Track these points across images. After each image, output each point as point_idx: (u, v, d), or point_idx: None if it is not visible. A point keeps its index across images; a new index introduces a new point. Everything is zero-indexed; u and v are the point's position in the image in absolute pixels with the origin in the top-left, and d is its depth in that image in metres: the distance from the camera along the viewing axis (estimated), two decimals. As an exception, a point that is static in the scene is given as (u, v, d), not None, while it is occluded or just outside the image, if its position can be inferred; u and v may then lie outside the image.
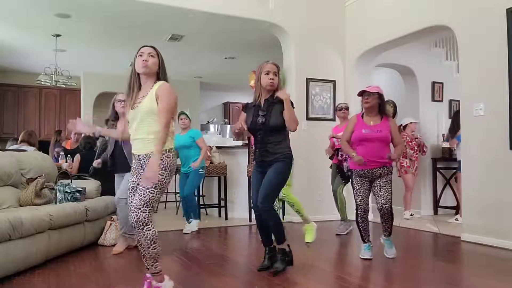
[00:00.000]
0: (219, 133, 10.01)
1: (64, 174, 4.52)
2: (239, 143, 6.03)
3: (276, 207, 4.31)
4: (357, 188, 3.57)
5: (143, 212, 2.32)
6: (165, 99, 2.38)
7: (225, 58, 8.20)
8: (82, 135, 6.63)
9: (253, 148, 3.27)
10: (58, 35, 6.61)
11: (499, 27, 4.04)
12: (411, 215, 6.11)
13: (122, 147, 3.89)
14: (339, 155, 4.72)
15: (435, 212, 6.50)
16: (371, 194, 3.60)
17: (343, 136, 3.74)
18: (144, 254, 2.48)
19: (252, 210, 3.43)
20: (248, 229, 5.24)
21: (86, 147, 5.47)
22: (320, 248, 4.04)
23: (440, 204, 6.52)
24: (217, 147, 6.12)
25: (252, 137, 3.31)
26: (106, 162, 4.26)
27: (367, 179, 3.53)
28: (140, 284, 2.54)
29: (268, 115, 3.06)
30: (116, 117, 3.99)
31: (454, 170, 6.34)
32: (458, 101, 5.79)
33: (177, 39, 6.89)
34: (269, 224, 3.17)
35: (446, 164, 6.56)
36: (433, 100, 6.67)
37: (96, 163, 4.43)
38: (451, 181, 6.50)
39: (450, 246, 4.21)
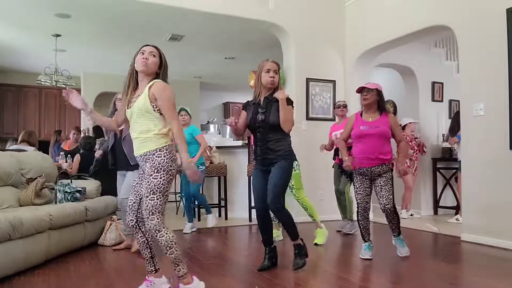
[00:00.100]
0: (219, 133, 10.03)
1: (64, 174, 4.52)
2: (239, 143, 6.04)
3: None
4: (357, 186, 3.57)
5: (152, 221, 2.29)
6: (164, 97, 2.34)
7: (225, 58, 8.20)
8: (82, 135, 6.66)
9: (253, 147, 3.27)
10: (58, 35, 6.61)
11: (499, 27, 4.04)
12: (411, 215, 6.12)
13: (121, 144, 3.89)
14: (339, 154, 4.72)
15: (435, 212, 6.50)
16: (373, 193, 3.60)
17: (341, 135, 3.76)
18: (146, 258, 2.46)
19: (253, 210, 3.42)
20: (248, 229, 5.24)
21: (86, 147, 5.47)
22: (321, 248, 4.04)
23: (440, 204, 6.52)
24: (217, 147, 6.12)
25: (252, 137, 3.31)
26: (106, 153, 4.28)
27: (367, 177, 3.52)
28: (139, 284, 2.54)
29: (267, 112, 3.06)
30: None
31: (454, 170, 6.34)
32: (458, 101, 5.79)
33: (177, 39, 6.89)
34: (268, 225, 3.19)
35: (446, 164, 6.56)
36: (433, 100, 6.67)
37: (98, 154, 4.43)
38: (451, 181, 6.50)
39: (450, 246, 4.21)
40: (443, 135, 6.64)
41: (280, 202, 3.06)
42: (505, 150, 3.99)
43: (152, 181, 2.29)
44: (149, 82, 2.40)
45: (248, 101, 3.27)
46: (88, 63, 8.46)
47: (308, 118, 5.89)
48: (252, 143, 3.32)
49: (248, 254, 4.01)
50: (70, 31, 6.43)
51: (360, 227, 3.60)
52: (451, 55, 6.88)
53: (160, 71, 2.45)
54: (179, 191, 5.65)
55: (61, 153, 5.88)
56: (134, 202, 2.44)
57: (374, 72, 7.10)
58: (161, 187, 2.30)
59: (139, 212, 2.42)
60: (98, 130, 6.66)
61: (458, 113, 5.16)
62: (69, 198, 4.03)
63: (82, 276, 3.08)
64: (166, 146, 2.36)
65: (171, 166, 2.34)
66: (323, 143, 4.76)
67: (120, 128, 3.72)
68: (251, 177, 4.64)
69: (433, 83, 6.67)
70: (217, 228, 5.14)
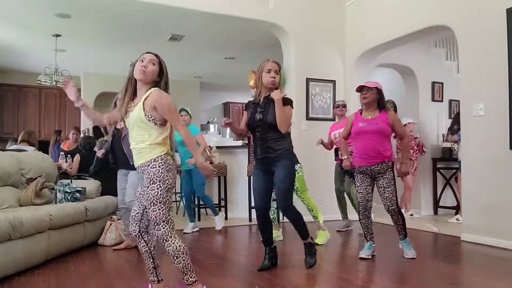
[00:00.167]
0: (219, 133, 10.03)
1: (64, 174, 4.52)
2: (239, 143, 6.04)
3: (273, 208, 4.33)
4: (358, 185, 3.56)
5: (158, 231, 2.27)
6: (165, 108, 2.29)
7: (225, 58, 8.20)
8: (81, 135, 6.66)
9: (253, 146, 3.26)
10: (58, 35, 6.61)
11: (499, 27, 4.04)
12: (411, 215, 6.12)
13: (121, 143, 3.89)
14: (339, 154, 4.72)
15: (435, 212, 6.50)
16: (375, 194, 3.60)
17: (342, 133, 3.77)
18: (149, 268, 2.42)
19: (253, 210, 3.42)
20: (248, 229, 5.24)
21: (85, 147, 5.47)
22: (321, 247, 4.04)
23: (440, 204, 6.52)
24: (217, 147, 6.12)
25: (252, 136, 3.31)
26: (108, 152, 4.28)
27: (367, 176, 3.52)
28: (139, 284, 2.54)
29: (265, 112, 3.06)
30: None
31: (454, 170, 6.34)
32: (458, 101, 5.79)
33: (177, 39, 6.89)
34: (268, 225, 3.19)
35: (446, 164, 6.56)
36: (433, 100, 6.67)
37: (100, 153, 4.43)
38: (451, 181, 6.50)
39: (450, 246, 4.21)
40: (443, 135, 6.64)
41: (290, 201, 3.10)
42: (505, 150, 3.99)
43: (150, 193, 2.27)
44: (147, 90, 2.34)
45: (249, 101, 3.27)
46: (88, 63, 8.46)
47: (308, 118, 5.89)
48: (252, 143, 3.32)
49: (248, 254, 4.01)
50: (70, 31, 6.43)
51: (361, 226, 3.60)
52: (451, 55, 6.88)
53: (160, 80, 2.39)
54: (179, 191, 5.65)
55: (61, 153, 5.88)
56: (137, 213, 2.41)
57: (374, 72, 7.10)
58: (160, 197, 2.26)
59: (142, 222, 2.40)
60: (98, 130, 6.66)
61: (458, 114, 5.17)
62: (69, 198, 4.03)
63: (82, 276, 3.08)
64: (161, 156, 2.30)
65: (166, 176, 2.28)
66: (321, 138, 4.75)
67: (120, 127, 3.73)
68: (251, 177, 4.64)
69: (433, 83, 6.67)
70: (215, 227, 5.13)
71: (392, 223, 3.61)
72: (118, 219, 4.30)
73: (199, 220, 5.68)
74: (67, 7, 5.54)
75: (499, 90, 4.04)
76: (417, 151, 6.19)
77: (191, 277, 2.33)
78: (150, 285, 2.44)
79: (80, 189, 4.17)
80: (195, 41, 7.02)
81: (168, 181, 2.29)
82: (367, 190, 3.53)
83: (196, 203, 5.83)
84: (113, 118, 2.57)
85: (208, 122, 10.68)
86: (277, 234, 4.29)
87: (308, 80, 5.91)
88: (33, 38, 6.84)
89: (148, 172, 2.28)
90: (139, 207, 2.41)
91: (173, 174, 2.35)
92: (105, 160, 4.48)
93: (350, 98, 5.82)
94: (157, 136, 2.32)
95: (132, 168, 3.78)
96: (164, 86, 2.39)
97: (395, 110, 7.00)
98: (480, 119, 4.25)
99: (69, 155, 5.66)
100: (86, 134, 7.00)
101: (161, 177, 2.27)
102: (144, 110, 2.28)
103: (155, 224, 2.27)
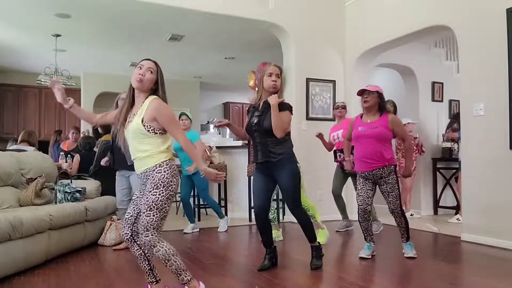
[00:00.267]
0: (219, 133, 10.01)
1: (64, 174, 4.52)
2: (239, 143, 6.04)
3: (273, 208, 4.33)
4: (359, 188, 3.58)
5: (146, 237, 2.24)
6: (166, 118, 2.27)
7: (225, 58, 8.19)
8: (81, 135, 6.66)
9: (252, 150, 3.26)
10: (58, 35, 6.61)
11: (499, 27, 4.04)
12: (411, 215, 6.12)
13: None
14: (338, 157, 4.73)
15: (435, 212, 6.50)
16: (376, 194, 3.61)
17: (345, 135, 3.80)
18: (145, 270, 2.41)
19: (252, 210, 3.42)
20: (248, 229, 5.24)
21: (85, 147, 5.47)
22: (322, 247, 4.03)
23: (440, 204, 6.52)
24: (217, 147, 6.12)
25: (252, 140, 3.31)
26: (110, 161, 4.28)
27: (370, 180, 3.53)
28: (139, 284, 2.54)
29: (262, 116, 3.06)
30: None
31: (454, 170, 6.34)
32: (458, 101, 5.79)
33: (177, 39, 6.89)
34: (268, 227, 3.20)
35: (446, 164, 6.56)
36: (433, 100, 6.67)
37: (104, 161, 4.40)
38: (451, 181, 6.50)
39: (450, 246, 4.21)
40: (443, 135, 6.64)
41: (299, 202, 3.12)
42: (505, 150, 3.99)
43: (150, 197, 2.24)
44: (145, 99, 2.32)
45: (251, 104, 3.27)
46: (88, 63, 8.46)
47: (308, 118, 5.89)
48: (252, 145, 3.32)
49: (248, 254, 4.01)
50: (70, 31, 6.43)
51: (361, 228, 3.61)
52: (451, 55, 6.88)
53: (157, 88, 2.36)
54: (179, 191, 5.65)
55: (61, 153, 5.87)
56: (131, 216, 2.38)
57: (374, 72, 7.11)
58: (159, 203, 2.24)
59: (134, 226, 2.37)
60: (98, 131, 6.66)
61: (458, 113, 5.18)
62: (69, 198, 4.03)
63: (82, 276, 3.08)
64: (166, 161, 2.29)
65: (171, 182, 2.27)
66: (321, 132, 4.73)
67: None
68: (251, 178, 4.63)
69: (433, 83, 6.67)
70: (217, 228, 5.13)
71: (393, 223, 3.61)
72: (118, 219, 4.30)
73: (199, 220, 5.68)
74: (67, 7, 5.54)
75: (499, 90, 4.04)
76: (416, 151, 6.19)
77: (185, 276, 2.33)
78: (149, 286, 2.44)
79: (80, 189, 4.17)
80: (195, 41, 7.02)
81: (172, 187, 2.28)
82: (368, 194, 3.53)
83: (196, 203, 5.83)
84: (107, 120, 2.56)
85: (208, 122, 10.68)
86: (277, 234, 4.29)
87: (308, 80, 5.91)
88: (33, 38, 6.84)
89: (153, 177, 2.26)
90: (134, 210, 2.38)
91: (177, 180, 2.33)
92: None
93: (350, 99, 5.82)
94: (160, 145, 2.30)
95: (132, 169, 3.80)
96: (162, 94, 2.36)
97: (395, 110, 6.99)
98: (480, 119, 4.25)
99: (69, 155, 5.66)
100: (86, 135, 7.00)
101: (165, 182, 2.26)
102: (142, 122, 2.26)
103: (145, 229, 2.24)
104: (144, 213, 2.25)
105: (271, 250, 3.24)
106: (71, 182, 4.23)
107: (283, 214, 5.67)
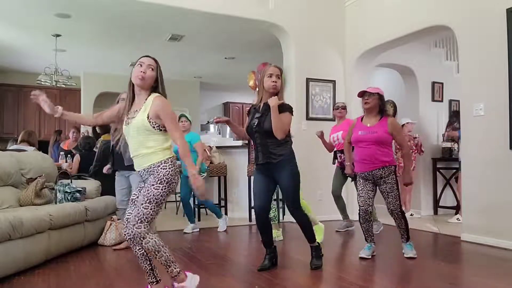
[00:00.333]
0: (219, 133, 10.02)
1: (64, 174, 4.52)
2: (239, 143, 6.04)
3: (274, 207, 4.33)
4: (360, 189, 3.58)
5: (138, 228, 2.24)
6: (168, 117, 2.30)
7: (225, 58, 8.20)
8: (81, 135, 6.66)
9: (253, 151, 3.26)
10: (58, 35, 6.61)
11: (499, 27, 4.04)
12: (411, 215, 6.12)
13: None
14: (338, 157, 4.73)
15: (435, 212, 6.50)
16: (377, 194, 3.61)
17: (346, 138, 3.81)
18: (146, 270, 2.41)
19: (253, 210, 3.42)
20: (248, 229, 5.24)
21: (85, 147, 5.47)
22: (321, 247, 4.03)
23: (440, 204, 6.52)
24: (217, 147, 6.12)
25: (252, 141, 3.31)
26: (111, 169, 4.27)
27: (370, 181, 3.53)
28: (139, 284, 2.54)
29: (263, 118, 3.06)
30: None
31: (454, 170, 6.34)
32: (458, 101, 5.79)
33: (177, 39, 6.89)
34: (268, 227, 3.19)
35: (446, 164, 6.56)
36: (433, 100, 6.67)
37: (106, 169, 4.36)
38: (451, 181, 6.50)
39: (450, 246, 4.21)
40: (443, 135, 6.64)
41: (299, 204, 3.13)
42: (505, 150, 3.99)
43: (152, 191, 2.26)
44: (147, 96, 2.35)
45: (252, 105, 3.27)
46: (88, 63, 8.46)
47: (308, 118, 5.89)
48: (253, 146, 3.32)
49: (248, 254, 4.01)
50: (70, 31, 6.43)
51: (362, 229, 3.61)
52: (451, 55, 6.88)
53: (157, 85, 2.39)
54: (179, 191, 5.65)
55: (61, 153, 5.87)
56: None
57: (374, 72, 7.11)
58: (159, 198, 2.27)
59: None
60: (96, 131, 6.66)
61: (457, 112, 5.17)
62: (69, 198, 4.03)
63: (82, 276, 3.08)
64: (170, 158, 2.33)
65: (173, 179, 2.31)
66: (322, 130, 4.72)
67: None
68: (251, 178, 4.64)
69: (433, 83, 6.66)
70: (217, 228, 5.13)
71: (393, 223, 3.62)
72: (118, 219, 4.30)
73: (199, 220, 5.68)
74: (67, 7, 5.54)
75: (499, 90, 4.04)
76: (416, 151, 6.19)
77: (175, 268, 2.35)
78: (149, 286, 2.44)
79: (80, 189, 4.17)
80: (195, 41, 7.02)
81: (173, 185, 2.32)
82: (369, 195, 3.54)
83: (196, 203, 5.83)
84: (104, 119, 2.57)
85: (208, 122, 10.68)
86: (277, 234, 4.29)
87: (308, 80, 5.91)
88: (33, 38, 6.84)
89: (157, 172, 2.28)
90: (134, 209, 2.40)
91: (178, 179, 2.38)
92: (105, 160, 4.48)
93: (350, 99, 5.82)
94: (163, 142, 2.34)
95: (131, 169, 3.80)
96: (162, 91, 2.40)
97: (395, 110, 7.01)
98: (480, 119, 4.24)
99: (69, 155, 5.65)
100: (85, 135, 7.00)
101: (169, 179, 2.29)
102: (148, 118, 2.29)
103: (139, 220, 2.25)
104: (142, 204, 2.27)
105: (271, 250, 3.24)
106: (71, 182, 4.23)
107: (283, 214, 5.67)
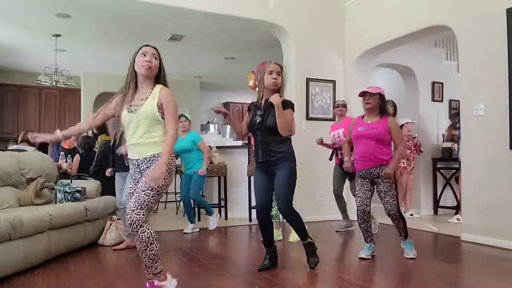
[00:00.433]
0: (219, 133, 10.03)
1: (64, 174, 4.52)
2: (239, 143, 6.04)
3: (275, 206, 4.32)
4: (358, 189, 3.58)
5: (137, 214, 2.26)
6: (170, 108, 2.33)
7: (225, 58, 8.20)
8: (81, 135, 6.65)
9: (253, 148, 3.26)
10: (58, 35, 6.61)
11: (499, 27, 4.04)
12: (411, 215, 6.12)
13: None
14: (339, 154, 4.73)
15: (435, 212, 6.50)
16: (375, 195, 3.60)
17: (346, 137, 3.81)
18: (143, 261, 2.41)
19: (253, 210, 3.42)
20: (248, 229, 5.24)
21: (85, 147, 5.47)
22: (321, 248, 4.03)
23: (440, 204, 6.52)
24: (217, 147, 6.12)
25: (252, 137, 3.31)
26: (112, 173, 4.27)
27: (367, 180, 3.53)
28: (139, 284, 2.53)
29: (265, 115, 3.06)
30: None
31: (454, 170, 6.34)
32: (458, 101, 5.79)
33: (177, 39, 6.89)
34: (269, 226, 3.19)
35: (446, 164, 6.56)
36: (433, 100, 6.67)
37: (108, 172, 4.35)
38: (451, 181, 6.50)
39: (450, 246, 4.21)
40: (443, 135, 6.64)
41: (291, 204, 3.10)
42: (505, 150, 3.99)
43: (162, 179, 2.29)
44: (151, 85, 2.38)
45: (252, 102, 3.27)
46: (88, 63, 8.46)
47: (308, 118, 5.89)
48: (253, 144, 3.32)
49: (248, 254, 4.01)
50: (70, 31, 6.43)
51: (361, 230, 3.61)
52: (451, 55, 6.88)
53: (160, 74, 2.42)
54: (179, 191, 5.65)
55: (61, 153, 5.87)
56: None
57: (374, 72, 7.11)
58: (160, 188, 2.31)
59: None
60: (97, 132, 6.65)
61: (458, 112, 5.18)
62: (69, 198, 4.03)
63: (82, 276, 3.08)
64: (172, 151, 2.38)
65: (172, 171, 2.38)
66: (321, 137, 4.74)
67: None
68: (252, 177, 4.63)
69: (433, 83, 6.66)
70: (217, 228, 5.14)
71: (392, 223, 3.61)
72: (118, 219, 4.30)
73: (199, 220, 5.67)
74: (67, 7, 5.54)
75: (499, 90, 4.04)
76: (415, 151, 6.19)
77: (160, 265, 2.37)
78: (147, 284, 2.44)
79: (80, 189, 4.17)
80: (195, 41, 7.02)
81: (173, 175, 2.39)
82: (366, 194, 3.54)
83: (205, 202, 5.82)
84: (103, 117, 2.59)
85: (208, 122, 10.68)
86: (277, 234, 4.29)
87: (308, 80, 5.91)
88: (33, 38, 6.84)
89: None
90: (134, 196, 2.40)
91: (174, 172, 2.43)
92: (105, 160, 4.48)
93: (350, 99, 5.82)
94: (165, 133, 2.37)
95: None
96: (165, 81, 2.44)
97: (395, 110, 6.99)
98: (480, 119, 4.24)
99: (69, 155, 5.65)
100: (85, 135, 6.99)
101: (171, 169, 2.35)
102: (158, 107, 2.32)
103: (140, 207, 2.27)
104: (143, 191, 2.29)
105: (271, 250, 3.24)
106: (71, 182, 4.23)
107: (283, 214, 5.66)
